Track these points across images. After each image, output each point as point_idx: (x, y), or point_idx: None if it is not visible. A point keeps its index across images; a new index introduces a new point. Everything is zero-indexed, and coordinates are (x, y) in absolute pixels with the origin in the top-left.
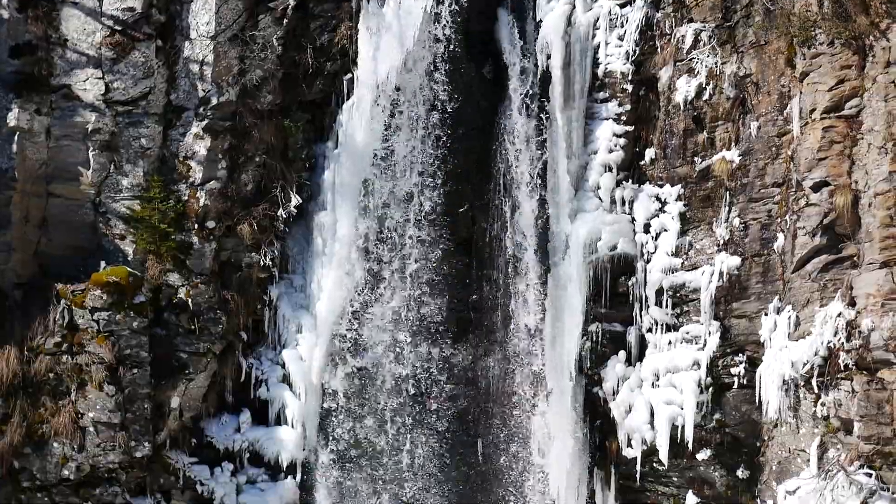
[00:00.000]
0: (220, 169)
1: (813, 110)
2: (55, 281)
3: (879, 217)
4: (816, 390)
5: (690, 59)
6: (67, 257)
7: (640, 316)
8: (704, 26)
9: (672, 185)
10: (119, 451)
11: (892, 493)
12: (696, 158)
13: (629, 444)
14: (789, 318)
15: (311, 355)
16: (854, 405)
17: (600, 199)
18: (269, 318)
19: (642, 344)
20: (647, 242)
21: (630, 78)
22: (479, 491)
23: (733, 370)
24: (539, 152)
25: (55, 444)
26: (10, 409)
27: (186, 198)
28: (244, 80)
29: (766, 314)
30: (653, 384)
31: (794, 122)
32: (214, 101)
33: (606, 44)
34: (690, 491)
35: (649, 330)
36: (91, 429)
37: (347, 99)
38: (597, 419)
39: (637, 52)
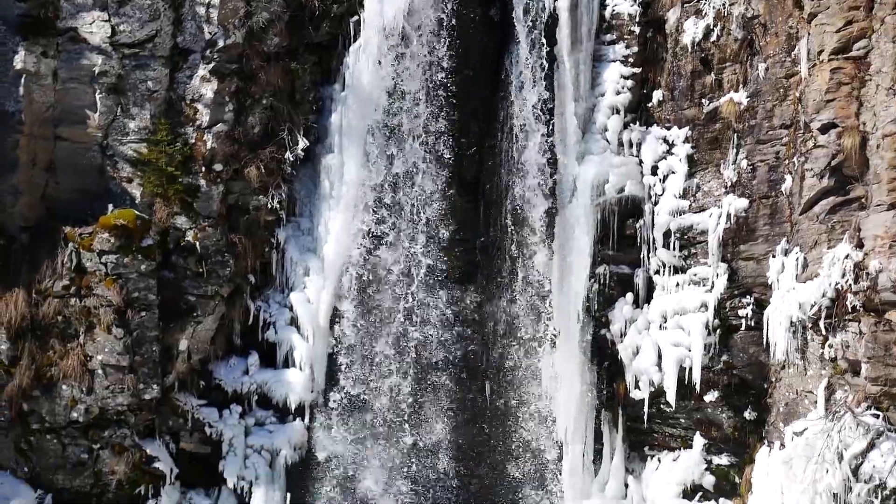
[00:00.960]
0: (226, 112)
1: (821, 52)
2: (63, 224)
3: (887, 159)
4: (824, 332)
5: (698, 1)
6: (75, 200)
7: (648, 258)
8: None
9: (680, 128)
10: (128, 393)
11: None
12: (703, 100)
13: (637, 386)
14: (797, 259)
15: (319, 298)
16: (861, 347)
17: (608, 141)
18: (277, 261)
19: (650, 286)
20: (654, 184)
21: (637, 20)
22: (486, 433)
23: (741, 312)
24: (546, 95)
25: (64, 387)
26: (18, 351)
27: (193, 141)
28: (250, 22)
29: (773, 256)
30: (660, 326)
31: (802, 64)
32: (221, 43)
33: None
34: (698, 432)
35: (657, 272)
36: (100, 371)
37: (354, 41)
38: (604, 361)
39: None
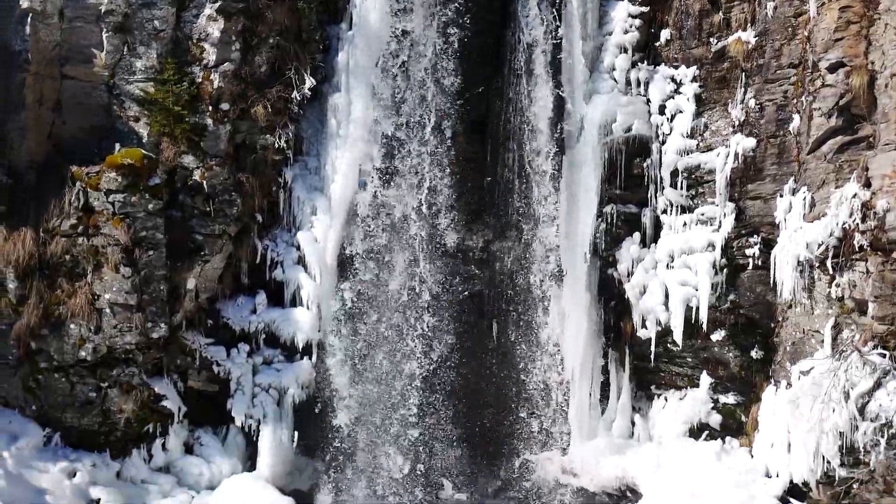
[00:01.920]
0: (233, 51)
1: None
2: (70, 163)
3: None
4: (831, 271)
5: None
6: (82, 140)
7: (655, 197)
8: None
9: (687, 67)
10: (135, 332)
11: None
12: (711, 39)
13: (643, 325)
14: (804, 199)
15: (326, 237)
16: (868, 286)
17: (615, 80)
18: (284, 201)
19: (657, 225)
20: (662, 124)
21: None
22: (493, 372)
23: (748, 251)
24: (554, 34)
25: (72, 326)
26: (26, 290)
27: (200, 80)
28: None
29: (781, 195)
30: (667, 265)
31: (811, 3)
32: None
33: None
34: (704, 371)
35: (664, 211)
36: (107, 310)
37: None
38: (611, 300)
39: None
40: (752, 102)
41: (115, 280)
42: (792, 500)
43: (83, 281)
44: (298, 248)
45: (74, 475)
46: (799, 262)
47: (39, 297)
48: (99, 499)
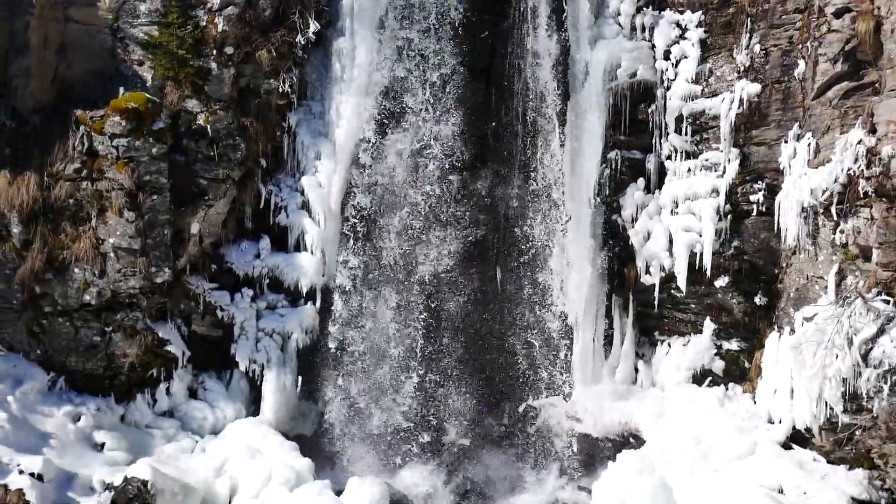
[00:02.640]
0: None
1: None
2: (74, 107)
3: None
4: (835, 217)
5: None
6: (86, 83)
7: (660, 143)
8: None
9: (693, 12)
10: (139, 276)
11: None
12: None
13: (647, 271)
14: (809, 145)
15: (330, 182)
16: (873, 232)
17: (620, 25)
18: (288, 145)
19: (661, 171)
20: (667, 69)
21: None
22: (497, 317)
23: (752, 197)
24: None
25: (76, 270)
26: (30, 234)
27: (205, 23)
28: None
29: (785, 141)
30: (671, 211)
31: None
32: None
33: None
34: (708, 318)
35: (668, 157)
36: (111, 254)
37: None
38: (615, 246)
39: None
40: (757, 48)
41: (119, 224)
42: (794, 445)
43: (87, 225)
44: (302, 193)
45: (79, 419)
46: (803, 208)
47: (43, 242)
48: (103, 443)
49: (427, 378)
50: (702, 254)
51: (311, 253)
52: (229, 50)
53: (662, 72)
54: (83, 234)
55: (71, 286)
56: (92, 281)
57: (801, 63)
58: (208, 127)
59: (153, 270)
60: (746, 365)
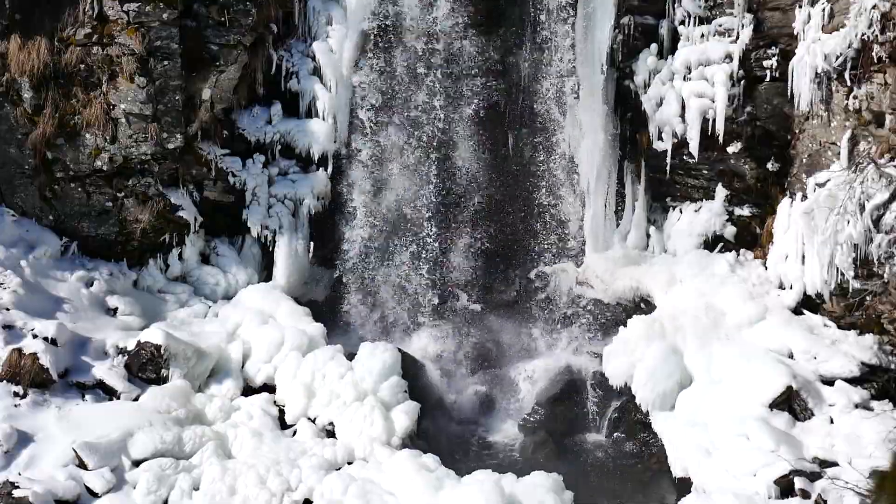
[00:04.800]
0: None
1: None
2: None
3: None
4: (849, 83)
5: None
6: None
7: (673, 8)
8: None
9: None
10: (151, 142)
11: None
12: None
13: (660, 138)
14: (823, 10)
15: (342, 47)
16: (886, 98)
17: None
18: (299, 10)
19: (674, 37)
20: None
21: None
22: (509, 183)
23: (765, 63)
24: None
25: (87, 136)
26: (42, 100)
27: None
28: None
29: (799, 6)
30: (684, 77)
31: None
32: None
33: None
34: (720, 183)
35: (682, 22)
36: (123, 120)
37: None
38: (627, 112)
39: None
40: None
41: (130, 90)
42: (805, 311)
43: (98, 91)
44: (314, 58)
45: (92, 284)
46: (817, 73)
47: (55, 107)
48: (116, 308)
49: (439, 244)
50: (714, 119)
51: (323, 119)
52: None
53: None
54: (94, 100)
55: (82, 152)
56: (103, 147)
57: None
58: None
59: (165, 136)
60: (758, 231)
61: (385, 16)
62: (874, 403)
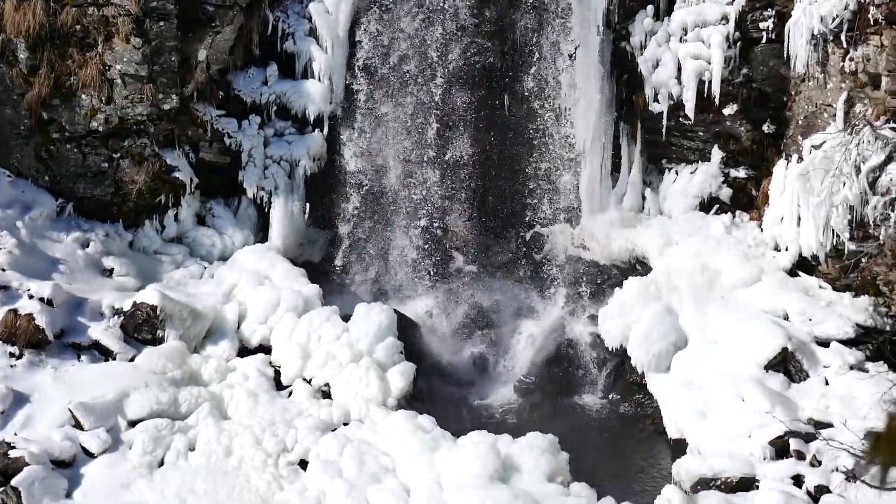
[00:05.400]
0: None
1: None
2: None
3: None
4: (845, 45)
5: None
6: None
7: None
8: None
9: None
10: (147, 103)
11: None
12: None
13: (656, 99)
14: None
15: (338, 8)
16: (882, 60)
17: None
18: None
19: None
20: None
21: None
22: (505, 144)
23: (762, 25)
24: None
25: (83, 97)
26: (37, 60)
27: None
28: None
29: None
30: (680, 38)
31: None
32: None
33: None
34: (716, 146)
35: None
36: (118, 81)
37: None
38: (623, 74)
39: None
40: None
41: (125, 51)
42: (800, 273)
43: (94, 51)
44: (310, 19)
45: (87, 245)
46: (813, 35)
47: (50, 68)
48: (112, 269)
49: (434, 205)
50: (710, 81)
51: (319, 80)
52: None
53: None
54: (90, 61)
55: (78, 112)
56: (99, 107)
57: None
58: None
59: (160, 97)
60: (754, 193)
61: None
62: (869, 365)
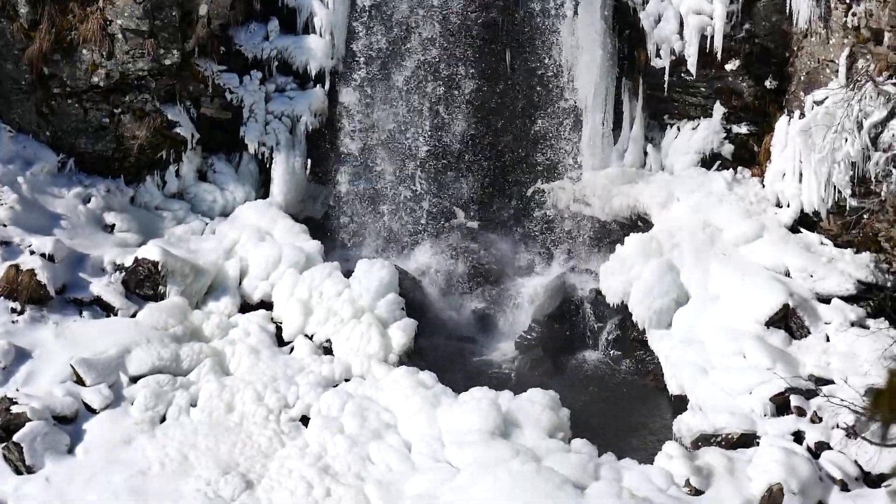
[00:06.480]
0: None
1: None
2: None
3: None
4: (847, 0)
5: None
6: None
7: None
8: None
9: None
10: (148, 58)
11: None
12: None
13: (658, 55)
14: None
15: None
16: (885, 15)
17: None
18: None
19: None
20: None
21: None
22: (506, 101)
23: None
24: None
25: (84, 52)
26: (38, 15)
27: None
28: None
29: None
30: None
31: None
32: None
33: None
34: (718, 101)
35: None
36: (119, 36)
37: None
38: (625, 30)
39: None
40: None
41: (126, 5)
42: (802, 229)
43: (95, 6)
44: None
45: (89, 201)
46: None
47: (51, 22)
48: (113, 224)
49: (436, 161)
50: (713, 37)
51: (320, 35)
52: None
53: None
54: (91, 15)
55: (79, 67)
56: (100, 62)
57: None
58: None
59: (161, 52)
60: (756, 149)
61: None
62: (870, 321)
